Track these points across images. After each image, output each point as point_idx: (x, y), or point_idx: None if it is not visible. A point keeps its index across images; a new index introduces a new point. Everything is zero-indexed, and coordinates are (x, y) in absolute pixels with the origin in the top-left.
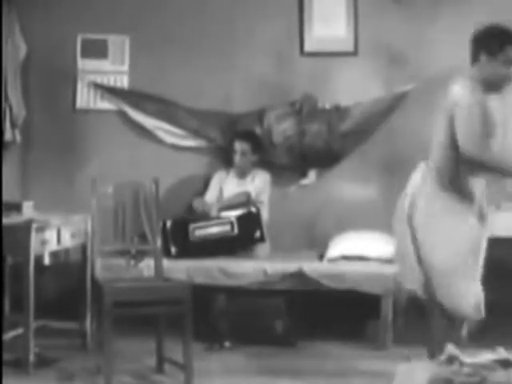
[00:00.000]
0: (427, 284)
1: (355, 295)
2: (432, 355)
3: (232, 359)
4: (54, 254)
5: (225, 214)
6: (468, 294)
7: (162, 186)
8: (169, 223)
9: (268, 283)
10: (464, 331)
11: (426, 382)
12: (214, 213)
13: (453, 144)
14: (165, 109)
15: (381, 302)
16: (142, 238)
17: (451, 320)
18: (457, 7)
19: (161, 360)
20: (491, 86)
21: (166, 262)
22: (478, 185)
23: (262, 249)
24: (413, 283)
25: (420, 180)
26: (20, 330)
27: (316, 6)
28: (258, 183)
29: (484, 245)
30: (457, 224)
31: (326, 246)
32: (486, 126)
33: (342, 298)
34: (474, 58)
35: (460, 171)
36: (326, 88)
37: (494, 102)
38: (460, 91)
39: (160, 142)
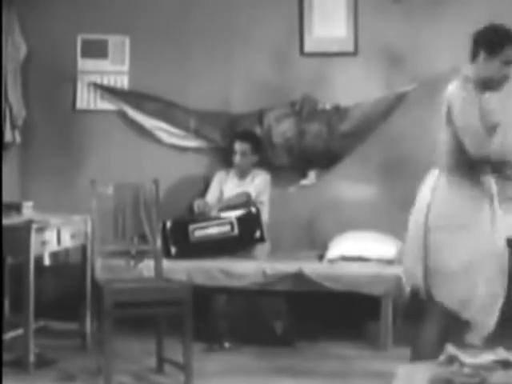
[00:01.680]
0: (427, 282)
1: (355, 296)
2: (419, 357)
3: (232, 360)
4: (53, 255)
5: (225, 214)
6: (472, 296)
7: (161, 186)
8: (169, 224)
9: (268, 284)
10: (476, 338)
11: (426, 382)
12: (214, 213)
13: (455, 140)
14: (165, 109)
15: (381, 302)
16: (142, 238)
17: (454, 321)
18: (457, 7)
19: (161, 360)
20: (489, 84)
21: (166, 263)
22: (489, 179)
23: (262, 249)
24: (414, 279)
25: (433, 185)
26: (20, 331)
27: (316, 6)
28: (258, 183)
29: (501, 251)
30: (471, 228)
31: (326, 246)
32: (484, 123)
33: (341, 298)
34: (474, 56)
35: (468, 165)
36: (326, 88)
37: (492, 100)
38: (454, 88)
39: (160, 142)
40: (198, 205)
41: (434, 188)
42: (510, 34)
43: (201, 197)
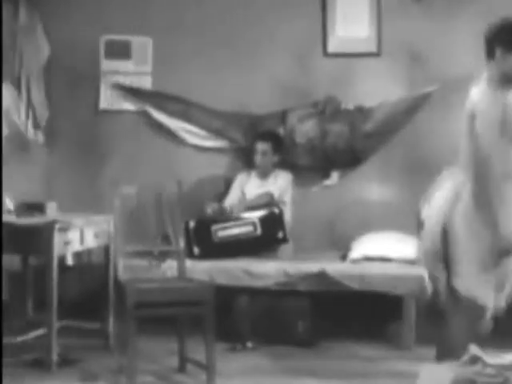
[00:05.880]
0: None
1: (377, 296)
2: (444, 356)
3: (254, 359)
4: (77, 255)
5: (247, 214)
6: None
7: (184, 186)
8: (192, 224)
9: (290, 284)
10: (487, 327)
11: (449, 382)
12: (236, 214)
13: (477, 146)
14: (187, 109)
15: (403, 302)
16: (165, 238)
17: (472, 316)
18: (478, 6)
19: (183, 360)
20: (508, 81)
21: (189, 263)
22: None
23: (285, 249)
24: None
25: (453, 194)
26: (43, 330)
27: (339, 6)
28: (281, 183)
29: None
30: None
31: (349, 246)
32: (506, 124)
33: (364, 298)
34: (490, 55)
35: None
36: (349, 89)
37: None
38: (478, 92)
39: (183, 142)
40: (212, 208)
41: (457, 194)
42: None
43: (224, 196)
